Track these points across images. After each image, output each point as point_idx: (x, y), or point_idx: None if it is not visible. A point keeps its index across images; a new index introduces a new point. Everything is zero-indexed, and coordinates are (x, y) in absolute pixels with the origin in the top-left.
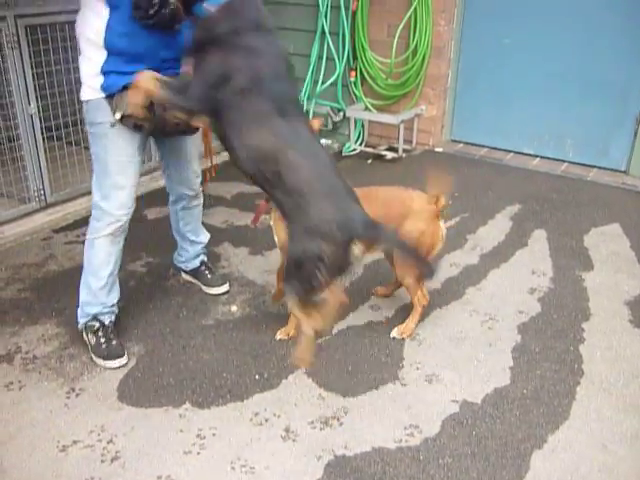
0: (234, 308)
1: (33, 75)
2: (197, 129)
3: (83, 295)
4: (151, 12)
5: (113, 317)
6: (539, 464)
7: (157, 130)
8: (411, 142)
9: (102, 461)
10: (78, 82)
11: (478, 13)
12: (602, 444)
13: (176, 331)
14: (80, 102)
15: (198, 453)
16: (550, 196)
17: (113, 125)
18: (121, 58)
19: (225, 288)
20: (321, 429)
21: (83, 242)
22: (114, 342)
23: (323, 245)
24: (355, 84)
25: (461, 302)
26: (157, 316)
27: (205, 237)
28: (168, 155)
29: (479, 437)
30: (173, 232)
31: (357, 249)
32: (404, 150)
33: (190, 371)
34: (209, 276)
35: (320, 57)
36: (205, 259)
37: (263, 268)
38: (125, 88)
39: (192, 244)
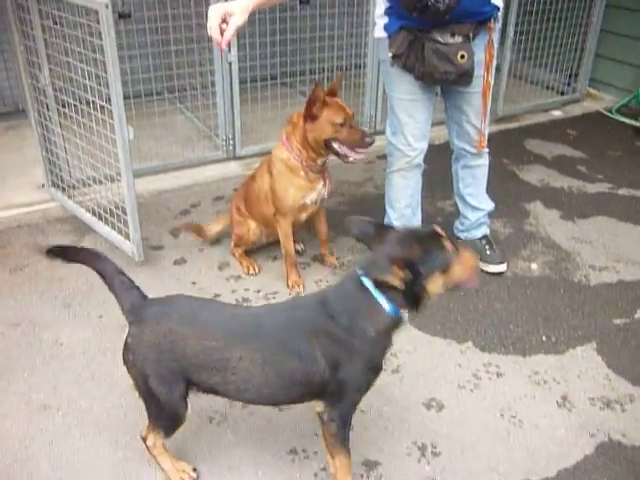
0: (534, 266)
1: None
2: (470, 80)
3: (384, 221)
4: (414, 15)
5: None
6: None
7: (427, 75)
8: None
9: (384, 369)
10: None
11: None
12: None
13: None
14: None
15: (471, 390)
16: None
17: (392, 64)
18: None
19: (503, 268)
20: (601, 409)
21: None
22: None
23: None
24: None
25: None
26: None
27: (488, 205)
28: (450, 106)
29: None
30: (455, 197)
31: None
32: None
33: (479, 314)
34: (488, 252)
35: None
36: (487, 232)
37: (572, 235)
38: (402, 29)
39: (473, 210)
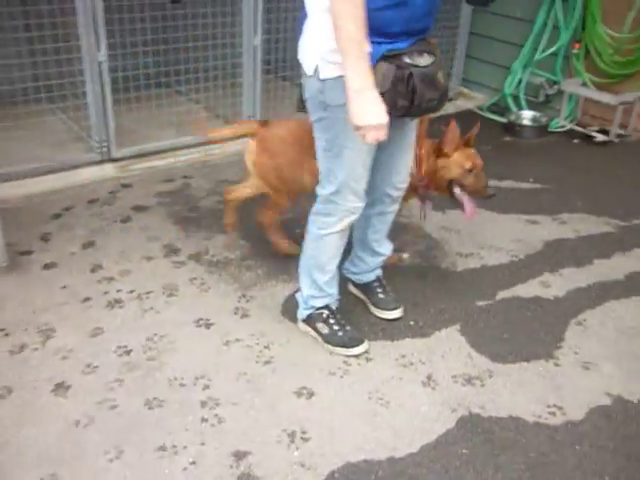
0: (405, 256)
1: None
2: (446, 101)
3: (307, 289)
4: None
5: (338, 303)
6: None
7: (413, 109)
8: (627, 127)
9: (256, 362)
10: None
11: None
12: None
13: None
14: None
15: (341, 377)
16: None
17: None
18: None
19: (398, 314)
20: (462, 385)
21: None
22: (348, 327)
23: None
24: (577, 57)
25: None
26: None
27: (388, 249)
28: (388, 146)
29: (626, 436)
30: (354, 239)
31: None
32: (618, 135)
33: (351, 304)
34: (381, 296)
35: (545, 24)
36: (380, 274)
37: (442, 225)
38: (383, 58)
39: (373, 255)
